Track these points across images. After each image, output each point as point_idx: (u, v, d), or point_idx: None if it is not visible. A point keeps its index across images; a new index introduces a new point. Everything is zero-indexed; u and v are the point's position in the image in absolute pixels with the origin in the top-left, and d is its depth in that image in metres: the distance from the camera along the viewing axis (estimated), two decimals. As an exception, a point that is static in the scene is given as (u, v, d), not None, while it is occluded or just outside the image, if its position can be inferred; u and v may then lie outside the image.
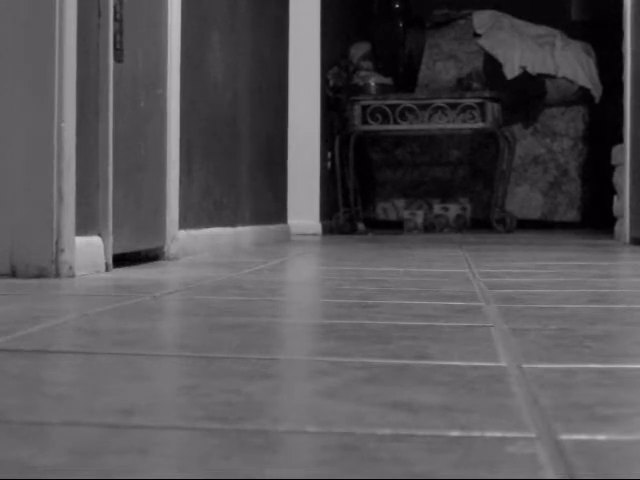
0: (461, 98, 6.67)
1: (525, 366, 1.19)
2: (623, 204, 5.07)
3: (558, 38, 7.55)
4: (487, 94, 6.67)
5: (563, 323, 1.62)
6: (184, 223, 3.55)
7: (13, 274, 2.44)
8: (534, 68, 7.47)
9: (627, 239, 4.96)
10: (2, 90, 2.45)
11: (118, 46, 2.86)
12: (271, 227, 4.99)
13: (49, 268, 2.43)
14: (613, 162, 5.40)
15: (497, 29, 7.61)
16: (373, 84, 6.95)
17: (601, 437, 0.82)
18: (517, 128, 7.49)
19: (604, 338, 1.44)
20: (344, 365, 1.18)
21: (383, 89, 6.96)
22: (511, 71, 7.47)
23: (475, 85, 6.99)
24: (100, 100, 2.72)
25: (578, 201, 7.53)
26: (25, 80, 2.43)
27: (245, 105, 4.48)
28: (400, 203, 7.63)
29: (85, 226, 2.61)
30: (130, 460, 0.73)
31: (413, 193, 7.64)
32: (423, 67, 7.74)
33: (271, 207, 5.08)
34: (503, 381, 1.09)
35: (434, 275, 2.71)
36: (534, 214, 7.58)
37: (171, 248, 3.39)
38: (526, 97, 7.51)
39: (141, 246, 3.14)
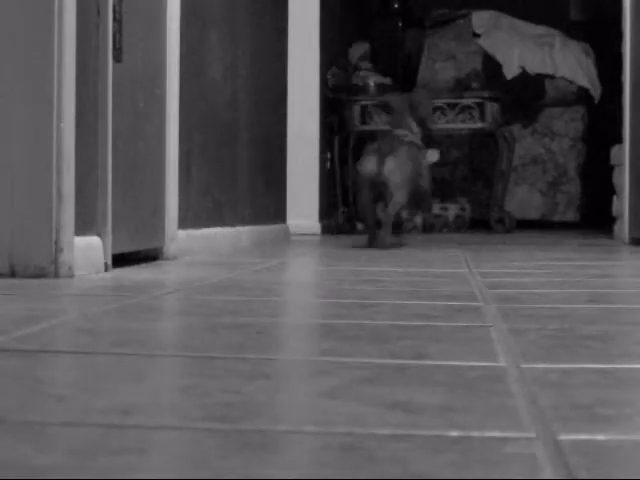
0: (460, 98, 6.67)
1: (524, 366, 1.19)
2: (622, 204, 5.07)
3: (557, 38, 7.55)
4: (486, 94, 6.67)
5: (562, 323, 1.62)
6: (183, 223, 3.55)
7: (12, 274, 2.44)
8: (533, 68, 7.48)
9: (626, 239, 4.96)
10: (1, 90, 2.45)
11: (117, 46, 2.86)
12: (270, 227, 4.99)
13: (48, 268, 2.43)
14: (612, 162, 5.40)
15: (496, 29, 7.61)
16: (372, 84, 6.95)
17: (600, 437, 0.82)
18: (516, 128, 7.49)
19: (603, 338, 1.44)
20: (344, 365, 1.18)
21: (382, 89, 6.96)
22: (510, 71, 7.47)
23: (474, 85, 6.99)
24: (99, 100, 2.72)
25: (577, 201, 7.53)
26: (24, 80, 2.43)
27: (244, 105, 4.48)
28: (399, 203, 7.62)
29: (84, 226, 2.61)
30: (129, 460, 0.73)
31: (412, 193, 7.63)
32: (422, 67, 7.74)
33: (270, 207, 5.08)
34: (502, 381, 1.09)
35: (433, 275, 2.71)
36: (533, 214, 7.58)
37: (170, 248, 3.39)
38: (525, 97, 7.51)
39: (140, 246, 3.14)
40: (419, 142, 4.48)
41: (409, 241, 5.00)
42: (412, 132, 4.47)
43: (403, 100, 4.59)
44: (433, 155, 4.34)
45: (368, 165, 4.22)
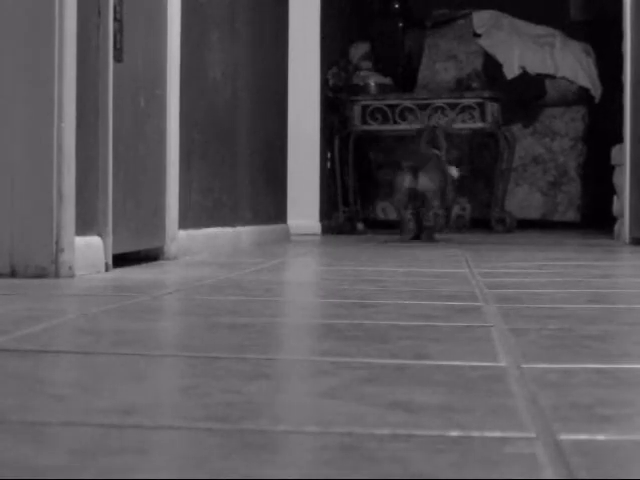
0: (461, 98, 6.67)
1: (524, 366, 1.19)
2: (623, 204, 5.07)
3: (557, 38, 7.55)
4: (487, 94, 6.67)
5: (563, 323, 1.62)
6: (184, 223, 3.55)
7: (13, 274, 2.44)
8: (533, 68, 7.47)
9: (627, 239, 4.96)
10: (1, 90, 2.45)
11: (118, 46, 2.86)
12: (271, 227, 4.99)
13: (49, 268, 2.43)
14: (613, 162, 5.40)
15: (497, 29, 7.61)
16: (373, 84, 6.95)
17: (601, 437, 0.82)
18: (517, 128, 7.49)
19: (604, 338, 1.44)
20: (344, 365, 1.18)
21: (383, 89, 6.96)
22: (511, 71, 7.47)
23: (475, 85, 6.99)
24: (100, 100, 2.72)
25: (578, 201, 7.53)
26: (25, 80, 2.43)
27: (245, 105, 4.48)
28: (400, 203, 7.62)
29: (85, 226, 2.61)
30: (130, 460, 0.73)
31: (413, 193, 7.63)
32: (423, 67, 7.74)
33: (270, 207, 5.08)
34: (502, 381, 1.09)
35: (433, 275, 2.71)
36: (534, 214, 7.57)
37: (171, 248, 3.39)
38: (526, 97, 7.51)
39: (141, 246, 3.14)
40: (443, 157, 5.29)
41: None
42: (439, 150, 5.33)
43: (428, 132, 5.40)
44: (453, 171, 5.20)
45: (405, 180, 5.06)
